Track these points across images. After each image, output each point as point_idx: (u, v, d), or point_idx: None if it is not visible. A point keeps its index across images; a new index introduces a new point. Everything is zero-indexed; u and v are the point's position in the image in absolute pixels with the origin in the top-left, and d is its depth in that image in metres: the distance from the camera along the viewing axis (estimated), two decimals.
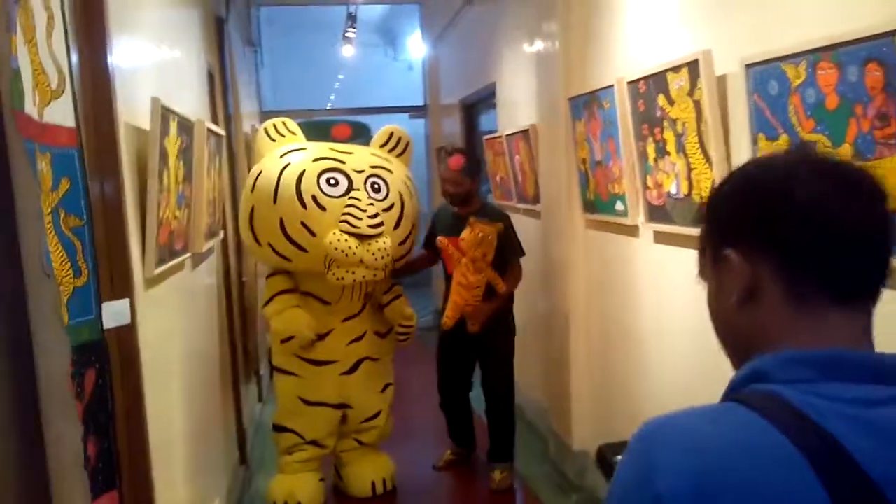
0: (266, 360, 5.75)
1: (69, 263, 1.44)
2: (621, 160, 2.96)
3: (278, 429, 3.68)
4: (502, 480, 3.86)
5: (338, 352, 3.58)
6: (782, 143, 1.92)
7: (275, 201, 3.31)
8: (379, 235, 3.29)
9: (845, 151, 1.70)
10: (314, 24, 9.40)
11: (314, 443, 3.67)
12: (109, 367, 1.53)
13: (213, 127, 3.29)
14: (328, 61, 9.49)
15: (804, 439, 0.66)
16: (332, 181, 3.35)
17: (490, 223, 3.50)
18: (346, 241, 3.20)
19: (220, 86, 4.47)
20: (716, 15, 2.33)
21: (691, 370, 2.57)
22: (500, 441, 3.91)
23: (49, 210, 1.37)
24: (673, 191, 2.59)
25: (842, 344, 0.74)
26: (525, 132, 4.19)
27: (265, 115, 7.56)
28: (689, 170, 2.45)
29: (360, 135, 4.04)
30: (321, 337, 3.51)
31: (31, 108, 1.29)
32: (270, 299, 3.52)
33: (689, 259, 2.50)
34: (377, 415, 3.77)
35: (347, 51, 7.46)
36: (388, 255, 3.29)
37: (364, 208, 3.30)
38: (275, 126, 3.62)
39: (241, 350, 4.45)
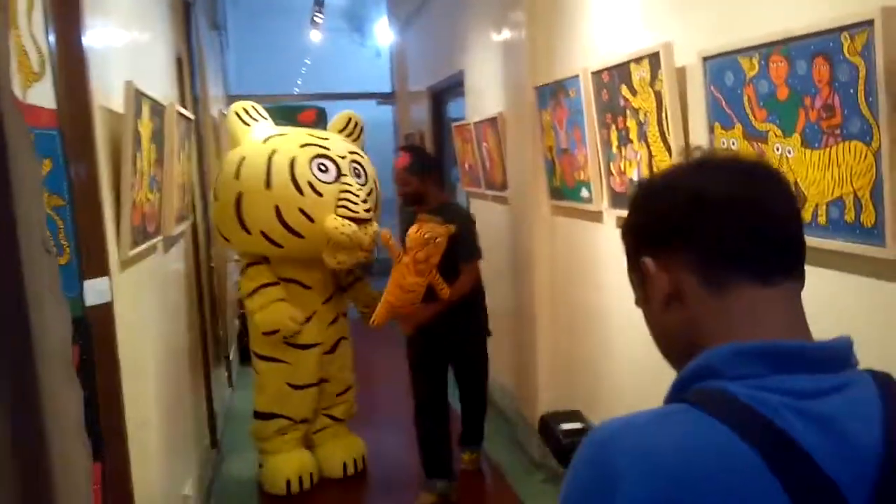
0: (235, 345, 5.77)
1: (52, 242, 1.47)
2: (586, 148, 3.05)
3: (265, 416, 3.72)
4: (471, 462, 3.95)
5: (321, 334, 3.70)
6: (737, 132, 2.03)
7: (268, 187, 3.35)
8: (370, 220, 3.47)
9: (795, 141, 1.81)
10: (281, 7, 9.36)
11: (304, 421, 3.78)
12: (92, 343, 1.57)
13: (183, 110, 3.30)
14: (295, 46, 9.47)
15: (759, 439, 0.66)
16: (323, 167, 3.43)
17: (441, 224, 3.24)
18: (349, 225, 3.32)
19: (187, 70, 4.46)
20: (677, 8, 2.42)
21: (652, 348, 2.67)
22: (472, 426, 3.95)
23: None
24: (635, 178, 2.68)
25: (778, 327, 0.75)
26: (493, 120, 4.26)
27: (231, 98, 7.51)
28: (651, 157, 2.55)
29: (321, 119, 4.11)
30: (306, 321, 3.60)
31: (15, 90, 1.32)
32: (254, 292, 3.56)
33: None
34: (347, 390, 3.92)
35: (314, 36, 7.46)
36: (377, 237, 3.45)
37: (357, 193, 3.43)
38: (245, 110, 3.65)
39: (211, 335, 4.47)
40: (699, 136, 2.27)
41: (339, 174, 3.46)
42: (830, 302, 1.74)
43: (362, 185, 3.53)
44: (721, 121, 2.10)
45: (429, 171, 3.54)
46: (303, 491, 3.70)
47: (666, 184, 0.83)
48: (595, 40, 3.04)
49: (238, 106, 3.68)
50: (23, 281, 0.97)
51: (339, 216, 3.37)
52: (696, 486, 0.66)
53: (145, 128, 2.50)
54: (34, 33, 1.49)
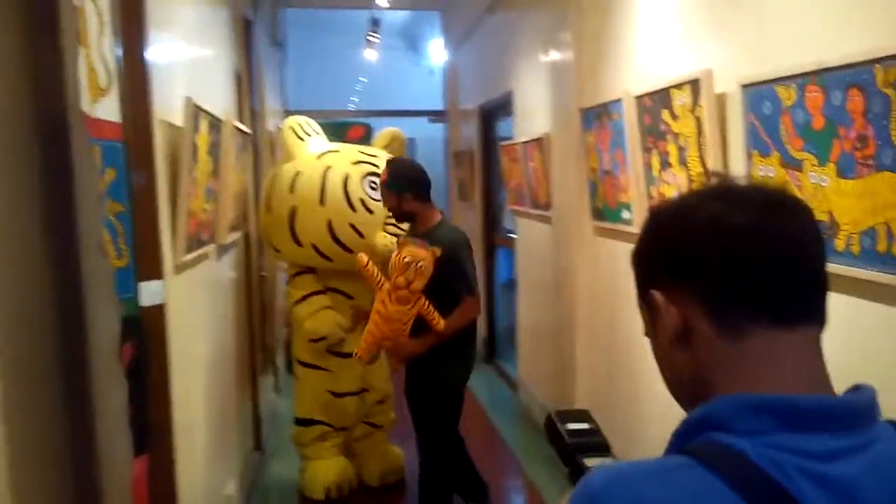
0: (283, 353, 5.92)
1: (112, 245, 1.59)
2: (628, 170, 3.08)
3: (304, 422, 3.83)
4: None
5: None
6: (774, 160, 2.05)
7: (321, 203, 3.48)
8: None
9: (830, 170, 1.83)
10: (338, 26, 9.59)
11: (344, 428, 3.87)
12: (145, 341, 1.68)
13: (240, 125, 3.45)
14: (351, 63, 9.67)
15: None
16: (373, 185, 3.55)
17: (425, 247, 2.94)
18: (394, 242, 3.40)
19: (246, 85, 4.64)
20: (717, 35, 2.45)
21: None
22: None
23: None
24: None
25: (794, 377, 0.70)
26: (539, 140, 4.32)
27: (289, 113, 7.71)
28: (690, 182, 2.58)
29: (367, 135, 4.23)
30: (349, 331, 3.69)
31: (84, 106, 1.45)
32: (302, 299, 3.70)
33: None
34: (385, 398, 3.98)
35: (370, 54, 7.62)
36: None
37: None
38: (300, 125, 3.79)
39: (260, 342, 4.61)
40: (737, 163, 2.29)
41: None
42: (857, 331, 1.75)
43: None
44: (759, 148, 2.12)
45: (407, 186, 3.14)
46: (341, 497, 3.78)
47: (679, 211, 0.76)
48: (639, 64, 3.08)
49: (293, 121, 3.82)
50: (81, 281, 1.08)
51: (389, 233, 3.49)
52: None
53: (202, 141, 2.63)
54: (103, 52, 1.61)
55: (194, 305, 2.75)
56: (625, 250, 3.53)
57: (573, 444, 1.16)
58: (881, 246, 1.69)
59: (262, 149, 5.14)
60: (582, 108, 3.59)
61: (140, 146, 2.12)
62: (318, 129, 3.86)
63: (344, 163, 3.60)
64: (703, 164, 2.46)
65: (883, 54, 1.60)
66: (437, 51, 9.13)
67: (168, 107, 2.37)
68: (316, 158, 3.62)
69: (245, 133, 3.68)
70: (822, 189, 1.85)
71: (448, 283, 3.01)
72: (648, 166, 2.88)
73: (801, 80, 1.88)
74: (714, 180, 0.80)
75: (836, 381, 0.73)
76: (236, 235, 3.66)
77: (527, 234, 5.14)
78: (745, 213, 0.71)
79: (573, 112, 3.70)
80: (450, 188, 8.01)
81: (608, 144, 3.31)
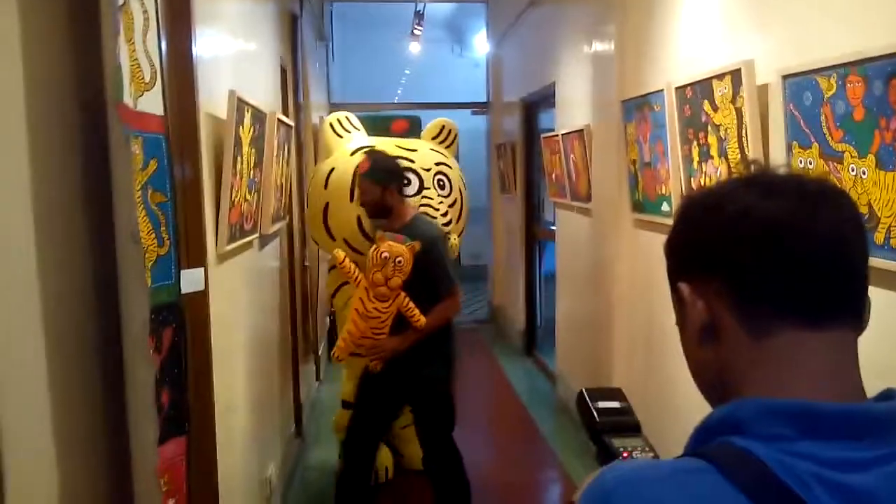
0: (325, 342, 6.02)
1: (154, 234, 1.65)
2: (668, 162, 3.05)
3: (351, 405, 3.88)
4: None
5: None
6: (814, 151, 2.01)
7: (351, 199, 3.53)
8: (450, 234, 3.54)
9: (869, 162, 1.79)
10: (384, 20, 9.64)
11: None
12: (185, 326, 1.74)
13: (283, 118, 3.51)
14: (396, 56, 9.73)
15: None
16: (406, 180, 3.57)
17: (402, 241, 2.89)
18: None
19: (291, 79, 4.72)
20: (759, 26, 2.42)
21: None
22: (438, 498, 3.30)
23: (139, 187, 1.59)
24: None
25: (821, 381, 0.66)
26: (580, 132, 4.30)
27: (333, 107, 7.83)
28: (731, 174, 2.54)
29: (415, 127, 4.23)
30: None
31: (128, 99, 1.50)
32: (337, 290, 3.83)
33: None
34: None
35: (414, 47, 7.66)
36: (456, 250, 3.53)
37: (437, 207, 3.54)
38: (339, 121, 3.84)
39: (301, 330, 4.70)
40: (778, 154, 2.26)
41: (422, 187, 3.59)
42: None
43: (445, 196, 3.65)
44: (799, 139, 2.09)
45: (391, 179, 3.10)
46: (377, 483, 3.83)
47: (710, 201, 0.73)
48: (680, 55, 3.05)
49: (332, 117, 3.89)
50: (116, 267, 1.13)
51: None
52: None
53: (246, 133, 2.70)
54: (148, 48, 1.67)
55: (236, 293, 2.82)
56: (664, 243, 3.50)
57: (603, 422, 1.14)
58: None
59: (305, 141, 5.22)
60: (623, 99, 3.56)
61: (186, 138, 2.19)
62: (358, 124, 3.90)
63: None
64: (744, 156, 2.43)
65: None
66: (481, 43, 9.13)
67: (213, 100, 2.43)
68: (350, 155, 3.67)
69: (288, 126, 3.74)
70: (861, 181, 1.82)
71: (427, 278, 2.94)
72: (689, 158, 2.85)
73: (842, 70, 1.85)
74: (751, 168, 0.75)
75: (873, 381, 0.70)
76: (279, 226, 3.73)
77: (567, 226, 5.12)
78: (779, 204, 0.67)
79: (614, 104, 3.67)
80: (491, 181, 8.02)
81: (648, 136, 3.28)
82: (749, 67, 2.35)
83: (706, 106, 2.65)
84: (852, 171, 1.85)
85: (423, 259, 2.90)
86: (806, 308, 0.66)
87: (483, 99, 8.27)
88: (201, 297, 2.14)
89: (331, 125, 3.84)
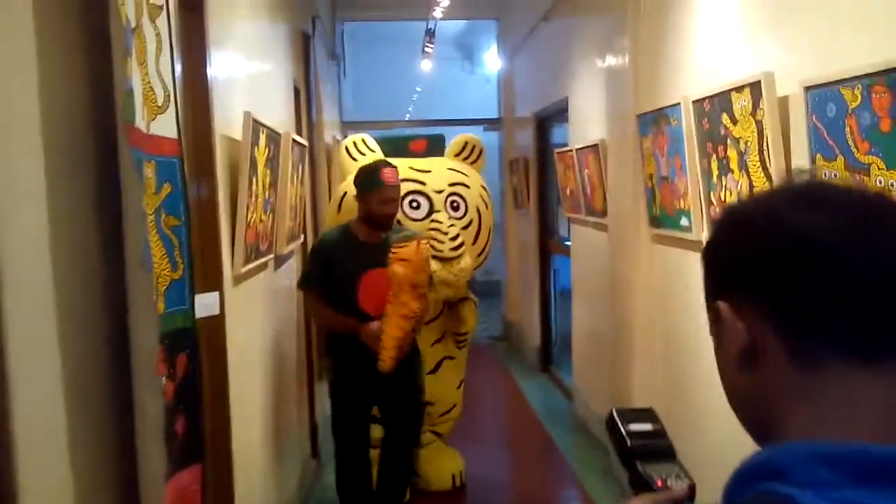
0: None
1: (167, 258, 1.63)
2: (686, 176, 3.01)
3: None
4: None
5: (423, 353, 3.73)
6: (839, 163, 1.97)
7: None
8: (460, 256, 3.49)
9: None
10: (395, 38, 9.69)
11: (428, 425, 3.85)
12: (199, 352, 1.71)
13: (297, 138, 3.51)
14: (407, 74, 9.75)
15: None
16: (414, 204, 3.55)
17: (410, 239, 3.02)
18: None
19: (304, 98, 4.72)
20: (778, 38, 2.38)
21: None
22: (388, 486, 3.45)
23: (152, 211, 1.56)
24: None
25: (875, 422, 0.60)
26: (595, 146, 4.27)
27: (346, 125, 7.85)
28: (752, 187, 2.50)
29: (437, 146, 4.16)
30: None
31: (140, 122, 1.48)
32: None
33: None
34: (453, 407, 3.96)
35: (426, 64, 7.67)
36: (468, 274, 3.53)
37: (446, 231, 3.51)
38: (355, 144, 3.83)
39: (317, 349, 4.67)
40: (799, 167, 2.21)
41: (432, 210, 3.56)
42: None
43: (459, 218, 3.61)
44: (823, 152, 2.05)
45: (360, 188, 3.20)
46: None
47: (761, 216, 0.66)
48: (697, 68, 3.02)
49: (349, 140, 3.88)
50: (126, 295, 1.11)
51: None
52: None
53: (261, 154, 2.69)
54: (161, 71, 1.66)
55: (252, 315, 2.80)
56: (683, 258, 3.45)
57: (635, 447, 1.06)
58: None
59: (318, 161, 5.22)
60: (639, 113, 3.53)
61: (201, 160, 2.18)
62: (374, 146, 3.88)
63: None
64: (765, 169, 2.38)
65: None
66: (492, 59, 9.14)
67: (228, 121, 2.43)
68: None
69: (302, 145, 3.74)
70: (890, 193, 1.77)
71: None
72: (708, 172, 2.81)
73: (867, 81, 1.80)
74: (801, 178, 0.68)
75: None
76: (294, 246, 3.72)
77: (582, 241, 5.08)
78: (835, 222, 0.60)
79: (629, 118, 3.64)
80: (504, 196, 7.99)
81: (666, 150, 3.24)
82: (769, 79, 2.31)
83: (725, 119, 2.61)
84: (880, 183, 1.81)
85: None
86: (861, 341, 0.60)
87: (495, 115, 8.27)
88: (218, 321, 2.12)
89: (346, 149, 3.83)
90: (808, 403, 0.61)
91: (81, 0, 1.28)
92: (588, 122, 4.59)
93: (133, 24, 1.45)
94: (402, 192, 3.46)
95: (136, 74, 1.51)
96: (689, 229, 3.08)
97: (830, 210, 0.62)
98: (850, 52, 1.96)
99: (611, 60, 4.05)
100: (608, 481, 4.08)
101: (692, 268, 3.17)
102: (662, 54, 3.40)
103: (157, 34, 1.70)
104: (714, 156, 2.74)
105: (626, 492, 1.06)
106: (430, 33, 6.65)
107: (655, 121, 3.32)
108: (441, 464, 3.96)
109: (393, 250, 3.08)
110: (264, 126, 2.67)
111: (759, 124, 2.38)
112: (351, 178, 3.67)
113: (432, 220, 3.53)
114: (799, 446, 0.59)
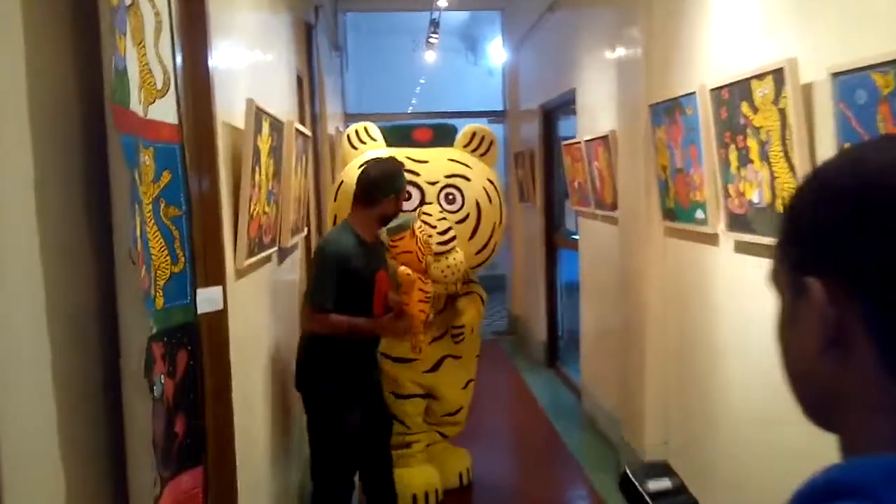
0: None
1: (167, 250, 1.54)
2: (702, 168, 2.92)
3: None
4: None
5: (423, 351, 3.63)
6: None
7: None
8: (450, 251, 3.35)
9: None
10: (398, 29, 9.59)
11: (421, 430, 3.76)
12: (201, 349, 1.63)
13: (301, 127, 3.42)
14: (410, 66, 9.67)
15: None
16: (406, 194, 3.43)
17: (404, 228, 3.11)
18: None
19: (307, 89, 4.63)
20: (801, 22, 2.29)
21: (772, 388, 2.51)
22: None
23: (150, 200, 1.48)
24: (755, 199, 2.55)
25: None
26: (604, 138, 4.18)
27: (349, 117, 7.75)
28: (773, 178, 2.41)
29: (445, 136, 3.96)
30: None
31: (136, 106, 1.40)
32: None
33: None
34: (458, 410, 3.83)
35: (430, 56, 7.57)
36: (458, 270, 3.38)
37: (434, 224, 3.36)
38: (357, 133, 3.73)
39: None
40: (827, 156, 2.12)
41: (423, 202, 3.45)
42: None
43: (453, 211, 3.48)
44: (852, 140, 1.96)
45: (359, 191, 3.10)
46: None
47: (876, 183, 0.54)
48: (714, 55, 2.92)
49: (352, 128, 3.78)
50: (115, 288, 1.02)
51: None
52: None
53: (264, 143, 2.60)
54: (161, 54, 1.57)
55: (255, 310, 2.72)
56: (699, 251, 3.35)
57: None
58: None
59: (322, 152, 5.13)
60: (651, 103, 3.43)
61: (203, 148, 2.09)
62: (377, 134, 3.77)
63: None
64: (788, 160, 2.29)
65: None
66: (496, 51, 9.03)
67: (230, 109, 2.34)
68: (357, 168, 3.56)
69: (306, 136, 3.65)
70: None
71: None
72: (726, 162, 2.72)
73: None
74: None
75: None
76: (298, 239, 3.63)
77: (591, 235, 4.99)
78: None
79: (641, 108, 3.55)
80: (510, 190, 7.90)
81: (680, 141, 3.15)
82: (793, 66, 2.22)
83: (745, 108, 2.52)
84: None
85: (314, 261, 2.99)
86: None
87: (499, 107, 8.17)
88: (220, 316, 2.04)
89: (348, 137, 3.74)
90: (894, 415, 0.54)
91: None
92: (597, 113, 4.50)
93: (128, 2, 1.37)
94: None
95: (133, 55, 1.42)
96: (704, 222, 2.99)
97: None
98: (881, 36, 1.87)
99: (621, 49, 3.95)
100: (617, 478, 4.01)
101: (708, 263, 3.08)
102: (676, 41, 3.30)
103: (157, 14, 1.61)
104: (733, 146, 2.65)
105: None
106: (435, 24, 6.56)
107: (669, 110, 3.23)
108: (449, 463, 3.88)
109: (392, 243, 3.06)
110: (267, 114, 2.58)
111: (782, 113, 2.29)
112: (351, 168, 3.58)
113: (422, 213, 3.40)
114: (882, 462, 0.51)
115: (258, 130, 2.48)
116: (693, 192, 3.08)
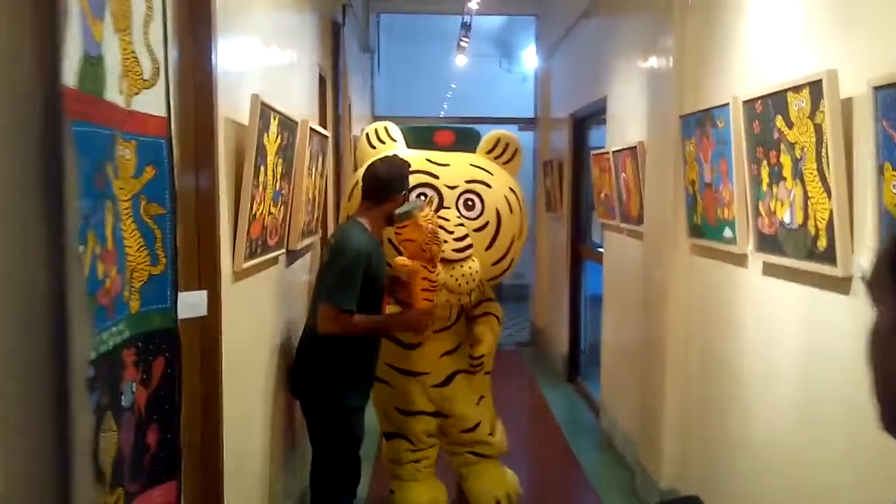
0: None
1: (146, 250, 1.45)
2: (732, 184, 2.77)
3: (390, 436, 3.61)
4: None
5: (429, 363, 3.47)
6: None
7: None
8: (465, 259, 3.21)
9: None
10: (431, 32, 9.51)
11: (426, 447, 3.61)
12: (180, 356, 1.54)
13: (317, 128, 3.33)
14: (443, 70, 9.56)
15: None
16: (422, 196, 3.30)
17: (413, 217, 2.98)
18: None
19: (331, 89, 4.55)
20: (842, 32, 2.14)
21: (796, 418, 2.36)
22: None
23: (128, 196, 1.39)
24: (787, 220, 2.39)
25: None
26: (633, 149, 4.03)
27: (377, 119, 7.67)
28: (806, 198, 2.26)
29: (468, 140, 3.81)
30: (412, 347, 3.44)
31: (115, 96, 1.31)
32: None
33: (800, 295, 2.32)
34: (477, 426, 3.61)
35: (461, 60, 7.47)
36: (473, 280, 3.21)
37: (451, 230, 3.21)
38: (376, 132, 3.61)
39: None
40: (865, 177, 1.97)
41: (441, 206, 3.30)
42: None
43: (472, 218, 3.32)
44: (893, 160, 1.81)
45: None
46: None
47: None
48: (748, 66, 2.77)
49: (371, 128, 3.65)
50: (66, 286, 0.93)
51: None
52: None
53: (272, 142, 2.51)
54: (150, 41, 1.48)
55: (256, 314, 2.63)
56: (725, 272, 3.19)
57: None
58: None
59: (345, 153, 5.05)
60: (682, 114, 3.29)
61: (201, 144, 2.01)
62: (397, 135, 3.65)
63: None
64: (823, 178, 2.14)
65: None
66: (529, 58, 8.91)
67: (236, 105, 2.26)
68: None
69: (324, 136, 3.56)
70: None
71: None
72: (757, 179, 2.57)
73: None
74: None
75: None
76: (311, 241, 3.55)
77: (615, 248, 4.84)
78: None
79: (671, 119, 3.40)
80: (537, 198, 7.76)
81: (710, 154, 3.00)
82: (832, 78, 2.07)
83: (779, 122, 2.37)
84: None
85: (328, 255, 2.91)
86: None
87: (530, 114, 8.04)
88: (211, 321, 1.95)
89: (367, 136, 3.62)
90: None
91: None
92: (627, 124, 4.36)
93: None
94: (412, 184, 3.24)
95: (113, 41, 1.34)
96: (732, 241, 2.84)
97: None
98: None
99: (653, 59, 3.81)
100: (633, 502, 3.85)
101: (735, 284, 2.92)
102: (710, 52, 3.16)
103: (148, 2, 1.53)
104: (765, 161, 2.50)
105: None
106: (466, 27, 6.46)
107: (700, 122, 3.08)
108: (484, 484, 3.64)
109: (396, 231, 2.97)
110: (276, 111, 2.49)
111: (819, 128, 2.14)
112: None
113: (438, 217, 3.26)
114: None
115: (265, 128, 2.39)
116: (721, 209, 2.93)
